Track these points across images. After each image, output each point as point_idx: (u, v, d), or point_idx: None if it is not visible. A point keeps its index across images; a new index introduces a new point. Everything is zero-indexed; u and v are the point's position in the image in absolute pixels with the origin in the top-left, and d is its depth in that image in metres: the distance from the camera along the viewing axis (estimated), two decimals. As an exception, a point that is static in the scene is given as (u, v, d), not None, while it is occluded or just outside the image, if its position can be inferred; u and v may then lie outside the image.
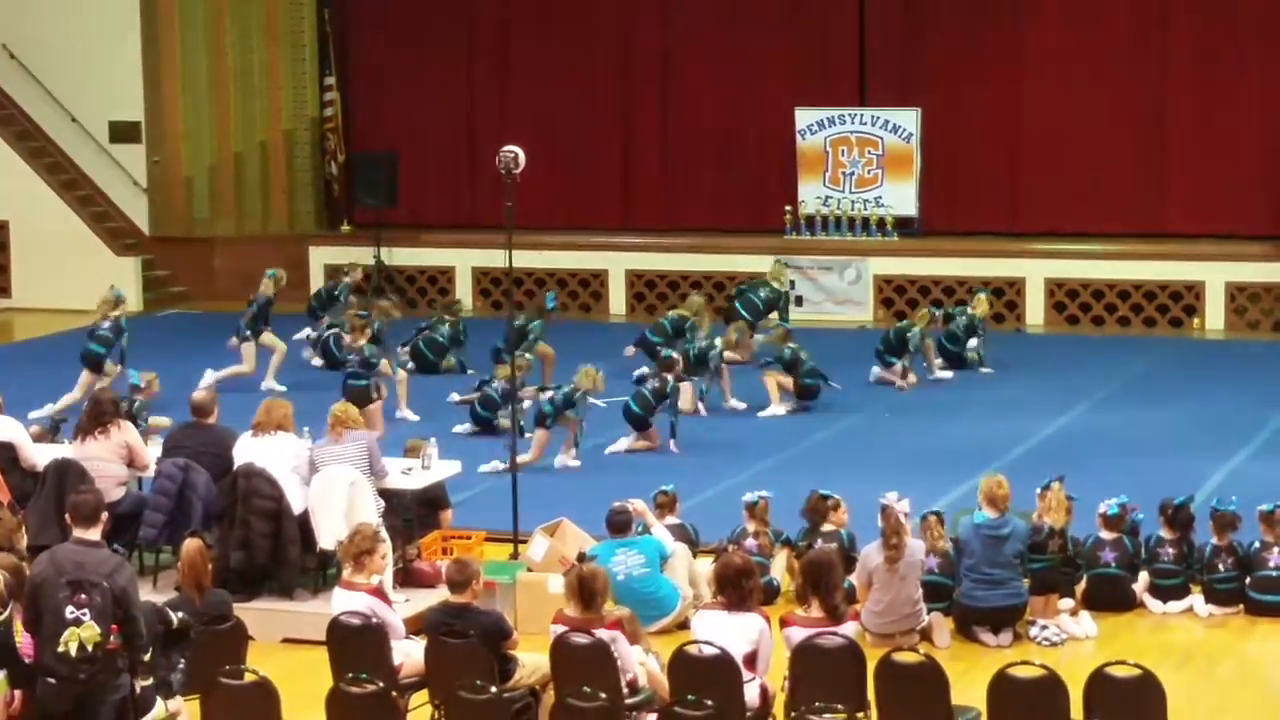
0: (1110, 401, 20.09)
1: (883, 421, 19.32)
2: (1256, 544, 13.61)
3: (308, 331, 23.17)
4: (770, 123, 26.72)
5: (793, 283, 23.51)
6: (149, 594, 11.90)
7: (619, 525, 13.44)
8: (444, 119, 28.37)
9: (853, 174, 26.21)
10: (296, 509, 13.55)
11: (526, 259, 24.90)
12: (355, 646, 11.05)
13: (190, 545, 11.57)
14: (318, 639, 11.58)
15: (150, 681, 10.25)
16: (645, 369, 19.61)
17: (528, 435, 17.46)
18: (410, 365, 20.65)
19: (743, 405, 19.97)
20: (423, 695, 11.09)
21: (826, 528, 13.61)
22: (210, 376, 20.28)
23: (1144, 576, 13.71)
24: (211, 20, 28.37)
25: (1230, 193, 25.28)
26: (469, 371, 21.11)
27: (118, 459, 14.10)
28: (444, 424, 18.14)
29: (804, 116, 26.38)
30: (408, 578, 13.72)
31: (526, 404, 18.17)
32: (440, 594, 12.08)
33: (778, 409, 19.75)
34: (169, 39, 28.22)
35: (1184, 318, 24.63)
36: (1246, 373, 21.46)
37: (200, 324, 24.64)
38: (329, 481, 13.47)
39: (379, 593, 11.56)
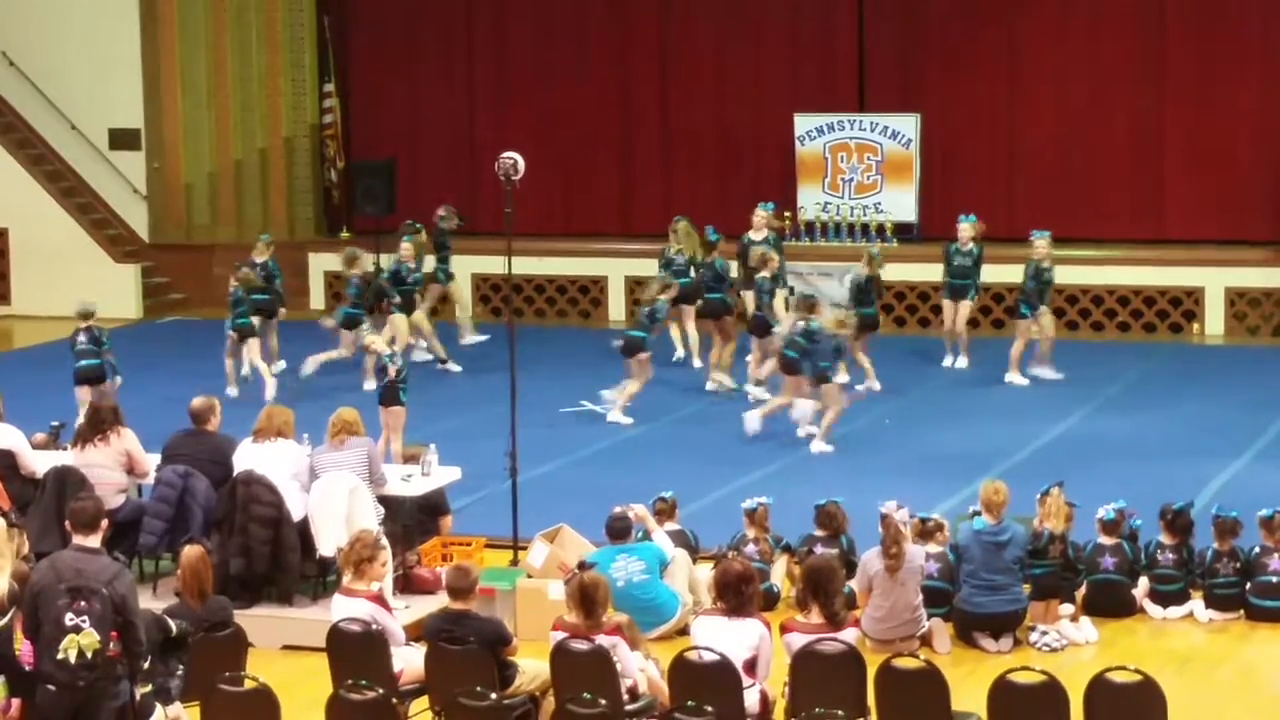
0: (1110, 407, 20.09)
1: (882, 427, 19.32)
2: (1257, 549, 13.62)
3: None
4: (769, 129, 26.73)
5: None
6: (149, 601, 11.92)
7: (618, 531, 13.44)
8: (443, 126, 28.38)
9: (852, 180, 26.21)
10: (296, 516, 13.56)
11: (526, 265, 24.88)
12: (355, 653, 11.06)
13: (191, 552, 11.58)
14: (318, 646, 11.58)
15: (149, 688, 10.26)
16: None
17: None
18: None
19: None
20: (423, 702, 11.10)
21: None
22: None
23: (1144, 582, 13.72)
24: (211, 27, 28.37)
25: (1230, 198, 25.27)
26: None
27: (117, 466, 14.11)
28: (439, 430, 18.10)
29: (803, 123, 26.39)
30: (408, 584, 13.73)
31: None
32: (440, 600, 12.09)
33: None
34: (168, 46, 28.22)
35: (1184, 323, 24.62)
36: (1246, 378, 21.46)
37: (200, 331, 24.62)
38: (329, 488, 13.48)
39: (379, 599, 11.57)
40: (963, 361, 22.20)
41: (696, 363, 22.28)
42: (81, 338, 19.11)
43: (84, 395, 18.59)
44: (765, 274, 20.76)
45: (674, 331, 22.66)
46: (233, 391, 20.62)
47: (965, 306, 22.15)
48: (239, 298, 21.30)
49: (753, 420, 18.73)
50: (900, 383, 21.21)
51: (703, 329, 22.01)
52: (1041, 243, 21.35)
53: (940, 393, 21.00)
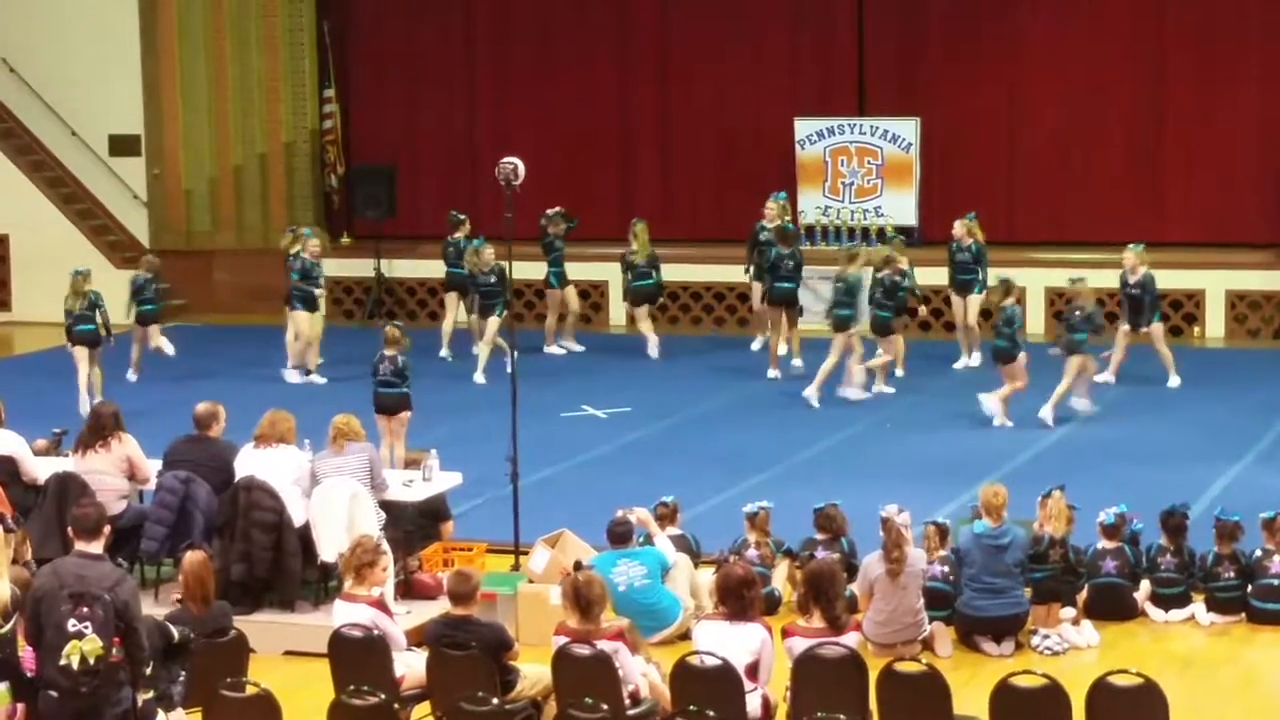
0: (1111, 410, 20.08)
1: (884, 431, 19.33)
2: (1258, 552, 13.61)
3: None
4: (769, 133, 26.74)
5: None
6: (150, 607, 11.90)
7: (620, 536, 13.44)
8: (443, 131, 28.38)
9: (852, 184, 26.22)
10: (298, 521, 13.56)
11: (526, 270, 24.85)
12: (357, 659, 11.06)
13: (194, 557, 11.58)
14: (319, 651, 11.58)
15: (151, 694, 10.25)
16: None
17: None
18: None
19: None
20: (424, 707, 11.10)
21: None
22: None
23: (1145, 585, 13.72)
24: (211, 33, 28.38)
25: (1229, 201, 25.28)
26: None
27: (118, 472, 14.11)
28: (440, 435, 18.10)
29: (803, 127, 26.40)
30: (409, 590, 13.73)
31: None
32: (442, 606, 12.09)
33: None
34: (168, 52, 28.23)
35: (1184, 326, 24.62)
36: (1247, 381, 21.46)
37: (200, 337, 24.61)
38: (330, 494, 13.48)
39: (380, 605, 11.57)
40: (975, 359, 22.33)
41: (654, 353, 23.27)
42: (82, 303, 20.83)
43: (80, 355, 20.72)
44: (889, 271, 20.87)
45: (646, 330, 23.40)
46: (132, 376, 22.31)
47: (973, 301, 22.40)
48: (141, 285, 22.35)
49: (994, 409, 19.31)
50: (900, 386, 21.23)
51: (770, 316, 22.56)
52: (1128, 255, 21.30)
53: (941, 396, 20.99)
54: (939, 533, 13.51)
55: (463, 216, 23.92)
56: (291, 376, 22.18)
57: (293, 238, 22.95)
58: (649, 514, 13.90)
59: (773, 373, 21.91)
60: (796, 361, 22.11)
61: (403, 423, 17.18)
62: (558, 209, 24.28)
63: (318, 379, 22.19)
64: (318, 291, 22.69)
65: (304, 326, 22.26)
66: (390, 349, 17.47)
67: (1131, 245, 21.36)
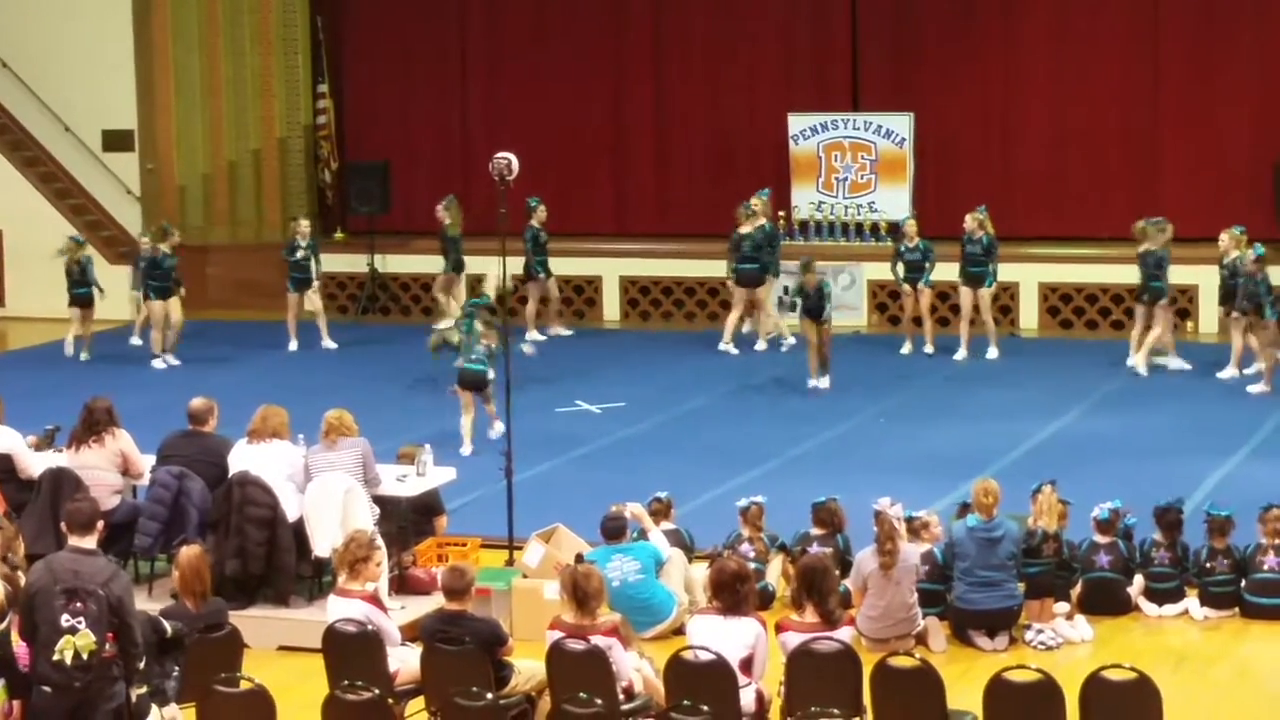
0: (1105, 405, 20.10)
1: (877, 426, 19.33)
2: (1252, 546, 13.63)
3: None
4: (763, 128, 26.74)
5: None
6: (144, 603, 11.91)
7: (613, 531, 13.44)
8: (437, 126, 28.38)
9: (846, 179, 26.21)
10: (291, 517, 13.55)
11: (520, 265, 24.88)
12: (351, 654, 11.05)
13: (191, 552, 11.58)
14: (313, 646, 11.58)
15: (145, 690, 10.25)
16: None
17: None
18: None
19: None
20: (419, 702, 11.10)
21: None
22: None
23: (1139, 580, 13.72)
24: (204, 28, 28.37)
25: (1222, 196, 25.26)
26: None
27: (112, 467, 14.09)
28: (434, 431, 18.09)
29: (797, 122, 26.39)
30: (403, 585, 13.73)
31: None
32: (436, 601, 12.10)
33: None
34: (162, 47, 28.21)
35: (1178, 321, 24.60)
36: (1241, 376, 21.45)
37: (194, 332, 24.52)
38: (324, 489, 13.47)
39: (374, 600, 11.57)
40: (993, 352, 22.40)
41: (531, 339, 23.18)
42: (75, 268, 23.51)
43: (75, 315, 23.54)
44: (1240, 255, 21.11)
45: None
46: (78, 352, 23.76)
47: (985, 294, 22.37)
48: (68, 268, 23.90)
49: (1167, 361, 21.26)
50: (895, 380, 21.23)
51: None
52: (1224, 238, 21.41)
53: (935, 390, 21.00)
54: (908, 525, 13.42)
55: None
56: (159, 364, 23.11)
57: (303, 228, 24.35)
58: (643, 509, 13.90)
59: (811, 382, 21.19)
60: (761, 344, 23.32)
61: (488, 396, 17.94)
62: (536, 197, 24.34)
63: (172, 360, 23.10)
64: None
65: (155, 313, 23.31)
66: (487, 337, 18.12)
67: (1235, 228, 21.34)
